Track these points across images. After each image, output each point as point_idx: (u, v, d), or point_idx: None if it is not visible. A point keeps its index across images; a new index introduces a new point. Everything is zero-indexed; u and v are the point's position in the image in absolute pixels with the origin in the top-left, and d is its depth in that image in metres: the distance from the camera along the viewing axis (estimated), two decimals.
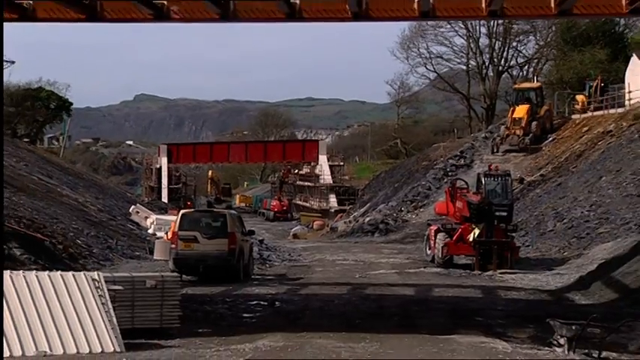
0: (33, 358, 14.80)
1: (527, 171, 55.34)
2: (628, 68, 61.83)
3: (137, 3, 21.18)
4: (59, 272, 17.09)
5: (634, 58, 61.88)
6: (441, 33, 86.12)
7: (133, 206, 53.21)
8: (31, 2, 21.71)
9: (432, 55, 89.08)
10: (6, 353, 14.96)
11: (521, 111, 61.25)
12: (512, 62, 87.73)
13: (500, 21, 71.25)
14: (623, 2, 20.98)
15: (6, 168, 45.51)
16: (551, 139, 60.58)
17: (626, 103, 57.22)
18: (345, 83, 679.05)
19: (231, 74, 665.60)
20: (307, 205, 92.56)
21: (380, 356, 15.10)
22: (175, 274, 21.71)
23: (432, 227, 37.09)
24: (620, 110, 56.48)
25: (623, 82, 61.09)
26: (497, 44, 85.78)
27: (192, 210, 35.27)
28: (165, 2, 21.38)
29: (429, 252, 36.53)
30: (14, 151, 58.04)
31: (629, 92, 58.09)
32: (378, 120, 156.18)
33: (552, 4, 21.20)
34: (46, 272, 17.23)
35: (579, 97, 62.93)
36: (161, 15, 21.82)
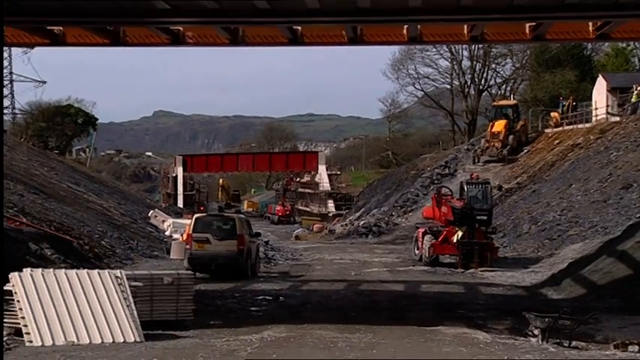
0: (62, 347, 14.79)
1: (505, 179, 55.33)
2: (594, 88, 62.03)
3: (156, 29, 21.21)
4: (85, 270, 17.11)
5: (600, 79, 62.13)
6: (428, 56, 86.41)
7: (151, 211, 53.09)
8: (61, 29, 21.76)
9: (420, 76, 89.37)
10: (38, 342, 15.01)
11: (499, 126, 61.34)
12: (492, 82, 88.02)
13: (480, 45, 71.29)
14: (590, 29, 21.04)
15: (38, 176, 45.58)
16: (526, 150, 60.62)
17: (593, 118, 57.46)
18: (342, 100, 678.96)
19: (239, 92, 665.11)
20: (308, 209, 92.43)
21: (374, 346, 15.07)
22: (190, 272, 21.70)
23: (419, 230, 37.08)
24: (587, 125, 56.60)
25: (591, 100, 61.40)
26: (477, 66, 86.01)
27: (205, 214, 35.16)
28: (181, 28, 21.40)
29: (417, 252, 36.49)
30: (46, 161, 58.05)
31: (596, 109, 58.36)
32: (371, 133, 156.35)
33: (527, 31, 21.25)
34: (74, 270, 17.26)
35: (554, 114, 62.94)
36: (177, 40, 21.84)
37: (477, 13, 18.56)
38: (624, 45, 70.77)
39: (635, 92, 53.37)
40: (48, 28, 21.50)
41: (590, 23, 20.64)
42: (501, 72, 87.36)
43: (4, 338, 15.37)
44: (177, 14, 18.87)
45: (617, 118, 53.40)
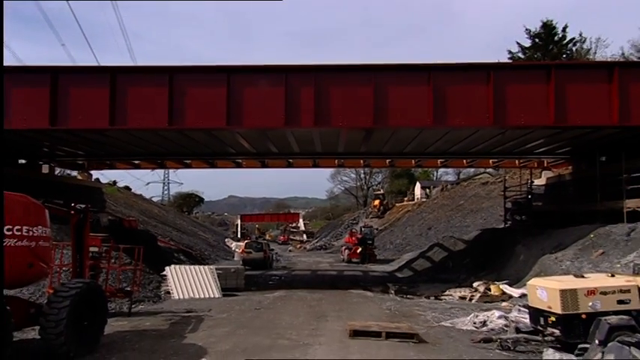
0: (187, 299, 14.49)
1: (379, 225, 55.32)
2: (416, 186, 63.25)
3: (230, 161, 21.42)
4: (198, 265, 16.86)
5: (417, 183, 63.41)
6: (347, 172, 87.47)
7: (226, 239, 52.36)
8: (189, 160, 21.88)
9: (342, 180, 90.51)
10: (177, 297, 14.67)
11: (376, 202, 61.97)
12: (374, 183, 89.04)
13: (368, 168, 72.30)
14: (413, 162, 21.68)
15: (178, 224, 44.72)
16: (388, 212, 60.98)
17: (416, 199, 58.34)
18: (309, 189, 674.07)
19: (265, 186, 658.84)
20: (295, 238, 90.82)
21: (322, 299, 14.86)
22: (242, 266, 21.37)
23: (343, 247, 36.93)
24: (413, 202, 57.38)
25: (414, 191, 62.47)
26: (367, 176, 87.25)
27: (250, 241, 34.76)
28: (240, 160, 21.64)
29: (342, 257, 36.18)
30: (181, 217, 57.16)
31: (416, 196, 59.45)
32: (322, 205, 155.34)
33: (387, 162, 21.84)
34: (193, 265, 16.99)
35: (405, 199, 63.23)
36: (239, 165, 22.03)
37: (366, 154, 19.12)
38: (428, 169, 72.18)
39: (427, 191, 55.06)
40: (184, 161, 21.64)
41: (413, 160, 21.31)
42: (377, 179, 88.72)
43: (162, 295, 15.02)
44: (238, 155, 19.16)
45: (425, 199, 54.31)
